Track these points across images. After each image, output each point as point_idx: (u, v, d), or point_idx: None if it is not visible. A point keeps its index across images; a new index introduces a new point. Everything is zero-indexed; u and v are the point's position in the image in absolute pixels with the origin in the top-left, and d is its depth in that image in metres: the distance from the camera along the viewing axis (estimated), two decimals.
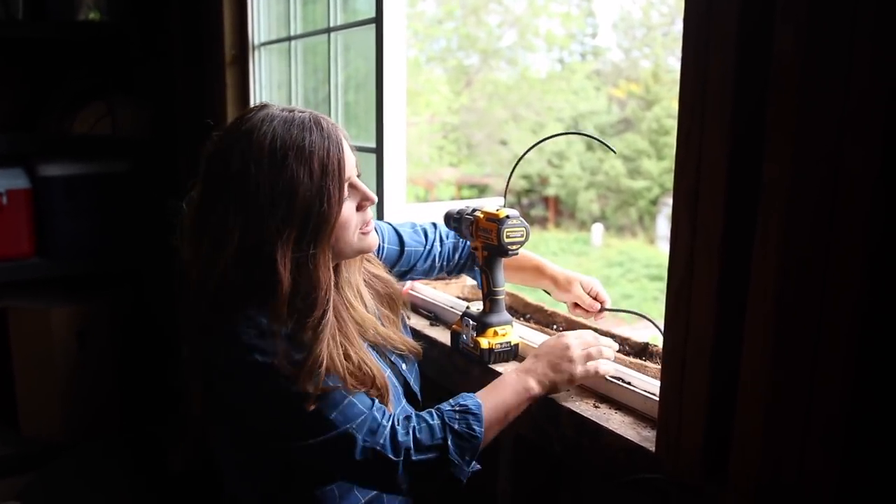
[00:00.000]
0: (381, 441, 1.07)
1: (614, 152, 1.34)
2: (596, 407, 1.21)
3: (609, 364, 1.23)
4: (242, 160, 1.08)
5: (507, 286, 1.44)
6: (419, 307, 1.73)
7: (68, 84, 2.77)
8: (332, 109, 2.02)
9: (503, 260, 1.36)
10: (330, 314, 1.10)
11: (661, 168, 12.57)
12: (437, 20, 13.85)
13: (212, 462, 1.31)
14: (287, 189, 1.06)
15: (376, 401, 1.11)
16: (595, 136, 1.38)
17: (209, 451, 1.32)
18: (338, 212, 1.10)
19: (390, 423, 1.09)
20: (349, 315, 1.19)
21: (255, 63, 2.35)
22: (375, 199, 1.19)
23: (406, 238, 1.46)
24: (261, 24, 2.34)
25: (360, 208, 1.16)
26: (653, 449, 1.05)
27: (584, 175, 13.38)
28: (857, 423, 0.78)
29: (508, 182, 1.44)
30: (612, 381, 1.23)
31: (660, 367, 1.09)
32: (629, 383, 1.21)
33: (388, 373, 1.22)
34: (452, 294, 1.75)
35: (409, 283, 1.74)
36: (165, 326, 2.86)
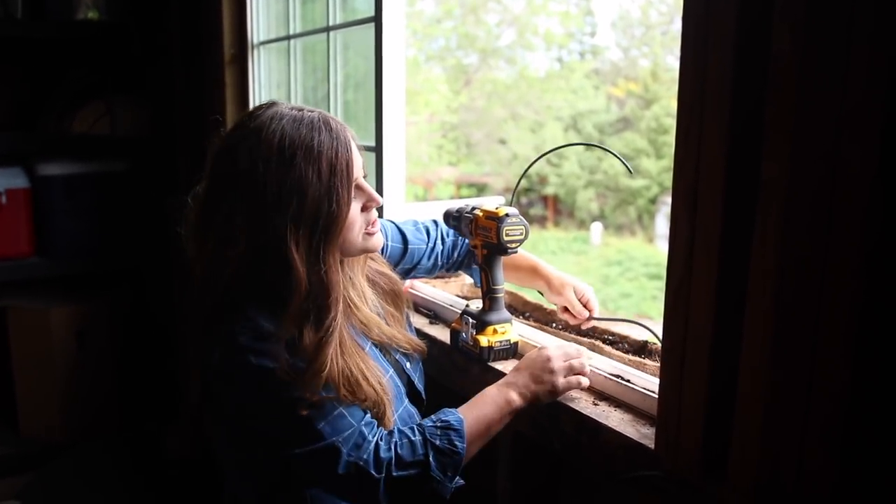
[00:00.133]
0: (365, 456, 1.07)
1: (631, 173, 1.34)
2: (595, 404, 1.21)
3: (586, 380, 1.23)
4: (250, 158, 1.07)
5: (506, 285, 1.44)
6: (419, 305, 1.73)
7: (67, 83, 2.77)
8: (331, 108, 2.02)
9: (502, 258, 1.36)
10: (339, 319, 1.09)
11: (659, 167, 12.57)
12: (436, 19, 13.84)
13: (210, 458, 1.31)
14: (295, 188, 1.06)
15: (368, 414, 1.10)
16: (616, 153, 1.37)
17: (206, 442, 1.32)
18: (346, 212, 1.10)
19: (375, 439, 1.09)
20: (354, 316, 1.19)
21: (254, 62, 2.35)
22: (381, 201, 1.19)
23: (409, 236, 1.46)
24: (260, 23, 2.34)
25: (365, 209, 1.16)
26: (652, 446, 1.05)
27: (582, 174, 13.38)
28: (856, 421, 0.79)
29: (517, 186, 1.44)
30: (611, 379, 1.24)
31: (659, 364, 1.09)
32: (628, 381, 1.21)
33: (391, 372, 1.22)
34: (452, 292, 1.75)
35: (408, 282, 1.75)
36: (165, 326, 2.86)
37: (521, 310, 1.65)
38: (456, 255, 1.53)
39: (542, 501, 1.41)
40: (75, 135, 2.69)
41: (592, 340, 1.40)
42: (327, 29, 1.97)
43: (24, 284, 2.69)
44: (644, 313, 10.52)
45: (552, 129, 12.75)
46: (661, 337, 1.36)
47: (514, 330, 1.39)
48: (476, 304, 1.42)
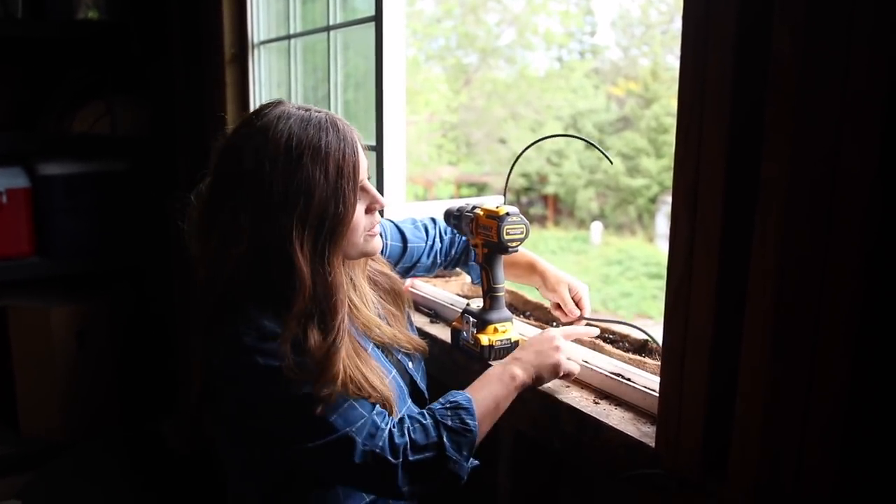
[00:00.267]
0: (380, 444, 1.06)
1: (611, 162, 1.34)
2: (596, 403, 1.21)
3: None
4: (256, 157, 1.07)
5: (506, 284, 1.44)
6: (419, 304, 1.73)
7: (68, 83, 2.77)
8: (331, 108, 2.02)
9: (503, 257, 1.36)
10: (347, 321, 1.09)
11: (659, 166, 12.57)
12: (436, 19, 13.84)
13: (211, 457, 1.31)
14: (302, 189, 1.05)
15: (377, 405, 1.10)
16: (592, 142, 1.37)
17: (207, 441, 1.32)
18: (352, 214, 1.10)
19: (388, 426, 1.09)
20: (356, 318, 1.19)
21: (254, 61, 2.35)
22: (385, 203, 1.19)
23: (408, 234, 1.46)
24: (260, 23, 2.34)
25: (368, 211, 1.16)
26: (652, 445, 1.05)
27: (582, 173, 13.38)
28: (855, 420, 0.79)
29: (508, 180, 1.45)
30: (611, 377, 1.24)
31: (659, 363, 1.09)
32: (629, 379, 1.22)
33: (394, 373, 1.22)
34: (452, 291, 1.75)
35: (409, 281, 1.75)
36: (165, 325, 2.86)
37: (522, 309, 1.65)
38: (454, 252, 1.53)
39: (542, 500, 1.41)
40: (75, 134, 2.69)
41: (593, 339, 1.40)
42: (328, 28, 1.97)
43: (25, 284, 2.69)
44: (644, 313, 10.53)
45: (552, 129, 12.74)
46: (653, 337, 1.37)
47: (514, 329, 1.39)
48: (477, 303, 1.42)
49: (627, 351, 1.36)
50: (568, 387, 1.28)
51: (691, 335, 0.95)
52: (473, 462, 1.13)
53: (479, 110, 13.94)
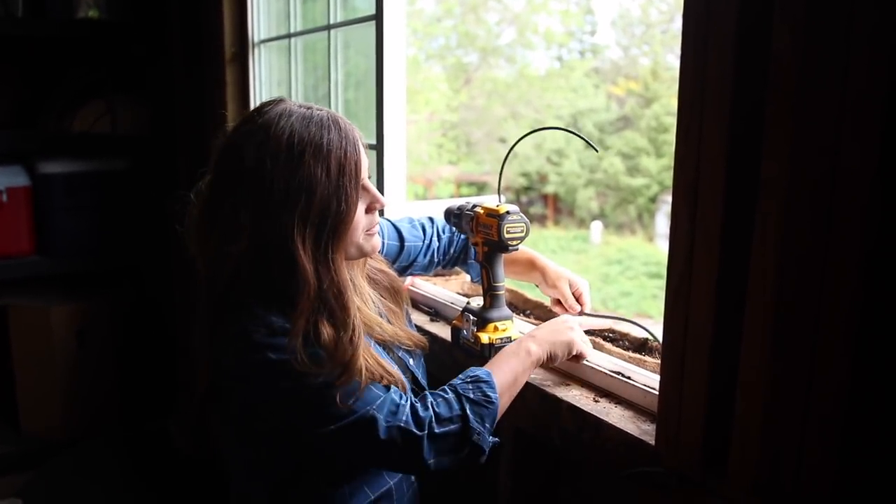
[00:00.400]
0: (404, 418, 1.07)
1: (596, 150, 1.34)
2: (596, 401, 1.22)
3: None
4: (258, 154, 1.06)
5: (506, 282, 1.44)
6: (419, 303, 1.73)
7: (68, 82, 2.77)
8: (331, 107, 2.02)
9: (503, 255, 1.36)
10: (359, 316, 1.10)
11: (660, 166, 12.57)
12: (436, 18, 13.85)
13: (213, 456, 1.31)
14: (304, 186, 1.05)
15: (393, 387, 1.11)
16: (581, 134, 1.38)
17: (211, 441, 1.32)
18: (354, 212, 1.10)
19: (409, 402, 1.09)
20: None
21: (254, 60, 2.35)
22: (386, 202, 1.19)
23: (405, 233, 1.46)
24: (260, 22, 2.34)
25: (369, 210, 1.16)
26: (653, 443, 1.06)
27: (583, 173, 13.38)
28: (855, 418, 0.79)
29: (500, 179, 1.44)
30: (612, 376, 1.24)
31: (659, 361, 1.09)
32: (629, 378, 1.22)
33: (395, 369, 1.22)
34: (452, 290, 1.76)
35: (409, 279, 1.75)
36: (165, 324, 2.87)
37: (522, 307, 1.65)
38: (453, 250, 1.53)
39: (543, 498, 1.41)
40: (76, 133, 2.69)
41: (593, 337, 1.41)
42: (328, 27, 1.97)
43: (25, 283, 2.69)
44: (644, 312, 10.53)
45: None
46: (652, 333, 1.37)
47: (514, 327, 1.39)
48: (477, 302, 1.42)
49: (627, 349, 1.36)
50: (568, 385, 1.28)
51: (691, 333, 0.95)
52: (495, 439, 1.14)
53: (480, 109, 13.94)
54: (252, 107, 2.15)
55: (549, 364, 1.25)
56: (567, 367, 1.32)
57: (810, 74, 0.78)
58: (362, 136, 1.15)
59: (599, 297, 10.94)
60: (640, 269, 11.82)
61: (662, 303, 1.01)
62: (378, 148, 1.78)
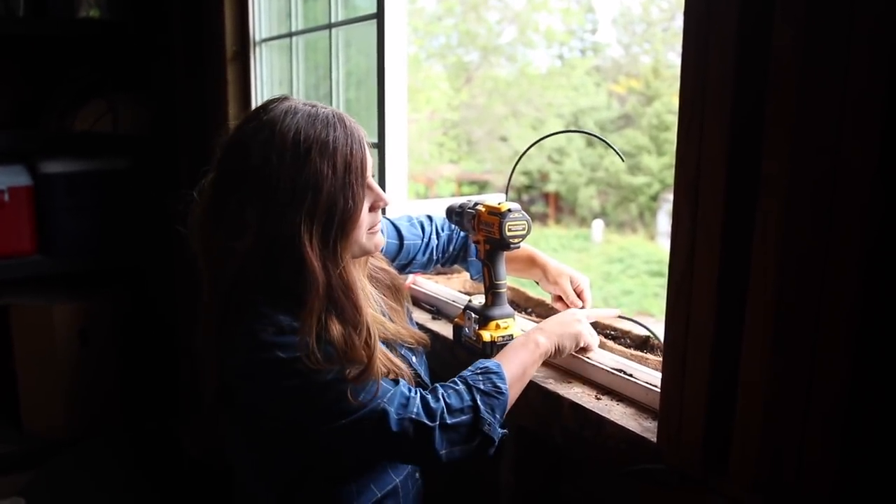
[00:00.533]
0: (415, 410, 1.07)
1: (622, 160, 1.35)
2: (598, 399, 1.22)
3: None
4: (263, 151, 1.06)
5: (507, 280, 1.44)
6: (421, 301, 1.73)
7: (69, 81, 2.77)
8: (333, 106, 2.02)
9: (504, 254, 1.36)
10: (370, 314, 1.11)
11: (661, 164, 12.57)
12: (437, 17, 13.84)
13: (218, 455, 1.31)
14: (310, 184, 1.05)
15: (402, 380, 1.12)
16: (609, 142, 1.38)
17: (216, 441, 1.32)
18: (361, 210, 1.10)
19: (418, 394, 1.10)
20: None
21: (256, 59, 2.35)
22: (389, 201, 1.19)
23: (404, 232, 1.46)
24: (261, 21, 2.34)
25: (372, 209, 1.16)
26: (654, 440, 1.06)
27: (584, 171, 13.38)
28: (856, 416, 0.79)
29: (510, 177, 1.45)
30: (613, 373, 1.24)
31: (660, 359, 1.09)
32: (631, 375, 1.22)
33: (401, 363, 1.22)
34: (454, 288, 1.76)
35: (411, 278, 1.75)
36: (167, 323, 2.87)
37: (524, 305, 1.66)
38: (451, 248, 1.53)
39: (545, 495, 1.42)
40: (77, 133, 2.69)
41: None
42: (329, 26, 1.98)
43: (27, 282, 2.69)
44: (645, 310, 10.53)
45: (553, 127, 12.74)
46: (652, 331, 1.38)
47: (516, 325, 1.39)
48: (479, 300, 1.42)
49: (629, 347, 1.36)
50: (570, 382, 1.28)
51: (693, 331, 0.96)
52: (504, 431, 1.14)
53: (481, 108, 13.93)
54: (254, 106, 2.15)
55: (557, 356, 1.26)
56: (569, 364, 1.33)
57: (811, 73, 0.78)
58: (367, 135, 1.15)
59: (601, 296, 10.94)
60: (642, 268, 11.82)
61: (664, 301, 1.01)
62: (379, 147, 1.78)
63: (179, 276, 2.70)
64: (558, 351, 1.26)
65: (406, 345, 1.27)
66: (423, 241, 1.49)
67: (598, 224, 13.38)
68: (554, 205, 14.21)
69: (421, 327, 1.53)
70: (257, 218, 1.06)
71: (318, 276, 1.05)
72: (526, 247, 1.50)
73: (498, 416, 1.12)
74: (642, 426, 1.11)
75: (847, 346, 0.78)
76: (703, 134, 0.91)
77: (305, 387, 1.05)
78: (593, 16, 14.40)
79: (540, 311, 1.61)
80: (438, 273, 1.83)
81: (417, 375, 1.29)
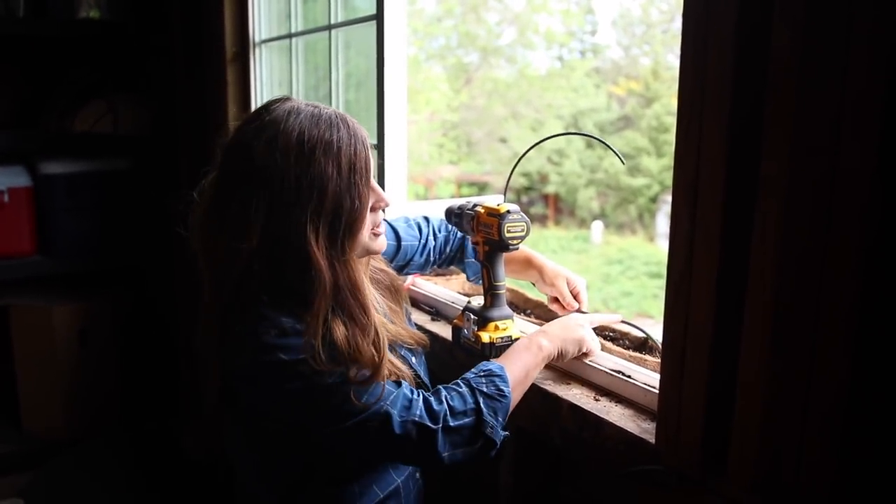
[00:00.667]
0: (418, 412, 1.08)
1: (623, 162, 1.35)
2: (596, 400, 1.22)
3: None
4: (268, 151, 1.06)
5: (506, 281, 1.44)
6: (420, 302, 1.73)
7: (69, 82, 2.78)
8: (332, 107, 2.02)
9: (503, 255, 1.37)
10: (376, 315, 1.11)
11: (660, 165, 12.57)
12: (437, 18, 13.84)
13: (218, 456, 1.31)
14: (315, 183, 1.05)
15: (404, 382, 1.12)
16: (609, 144, 1.38)
17: (217, 441, 1.31)
18: (366, 210, 1.10)
19: (421, 396, 1.10)
20: None
21: (255, 60, 2.36)
22: (390, 202, 1.19)
23: (402, 233, 1.47)
24: (261, 22, 2.35)
25: (373, 209, 1.15)
26: (653, 441, 1.06)
27: (583, 173, 13.38)
28: (855, 416, 0.79)
29: (509, 179, 1.45)
30: (612, 375, 1.24)
31: (659, 361, 1.10)
32: (629, 376, 1.22)
33: (403, 364, 1.22)
34: (453, 289, 1.76)
35: (410, 279, 1.75)
36: (167, 324, 2.87)
37: (523, 307, 1.66)
38: (448, 249, 1.53)
39: (543, 496, 1.42)
40: (77, 133, 2.69)
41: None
42: (329, 27, 1.98)
43: (27, 283, 2.69)
44: (645, 312, 10.53)
45: (553, 128, 12.75)
46: (648, 334, 1.38)
47: (515, 326, 1.39)
48: (478, 301, 1.42)
49: (628, 348, 1.36)
50: (568, 384, 1.29)
51: (691, 331, 0.96)
52: (506, 433, 1.14)
53: (480, 109, 13.94)
54: (253, 107, 2.15)
55: (559, 360, 1.26)
56: (568, 365, 1.33)
57: (810, 74, 0.78)
58: (368, 136, 1.15)
59: (600, 297, 10.94)
60: (641, 269, 11.82)
61: (663, 302, 1.01)
62: (379, 148, 1.78)
63: (179, 276, 2.70)
64: (561, 355, 1.26)
65: (406, 345, 1.27)
66: (420, 242, 1.49)
67: (597, 225, 13.38)
68: (553, 206, 14.21)
69: (420, 328, 1.53)
70: (262, 218, 1.05)
71: (325, 275, 1.05)
72: (523, 248, 1.50)
73: (500, 418, 1.12)
74: (641, 427, 1.12)
75: (846, 347, 0.78)
76: (701, 135, 0.91)
77: (308, 389, 1.05)
78: (593, 17, 14.42)
79: (539, 312, 1.61)
80: (437, 274, 1.83)
81: (417, 376, 1.29)
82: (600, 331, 1.45)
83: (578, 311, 1.44)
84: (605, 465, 1.15)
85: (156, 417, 2.82)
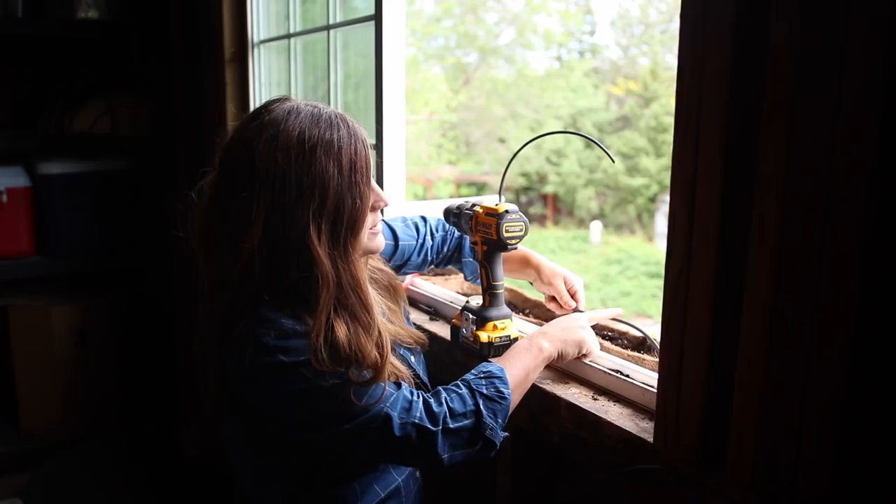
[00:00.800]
0: (418, 415, 1.07)
1: (613, 161, 1.35)
2: (595, 399, 1.22)
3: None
4: (269, 151, 1.05)
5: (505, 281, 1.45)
6: (419, 302, 1.74)
7: (68, 82, 2.78)
8: (331, 107, 2.02)
9: (502, 255, 1.37)
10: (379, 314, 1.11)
11: (659, 165, 12.59)
12: (436, 18, 13.86)
13: (218, 457, 1.31)
14: (317, 183, 1.05)
15: (404, 384, 1.12)
16: (598, 142, 1.38)
17: (216, 442, 1.31)
18: (367, 209, 1.10)
19: (421, 398, 1.10)
20: None
21: (254, 61, 2.36)
22: (388, 201, 1.19)
23: (399, 233, 1.47)
24: (260, 22, 2.35)
25: (372, 209, 1.15)
26: (651, 440, 1.06)
27: (582, 173, 13.40)
28: (852, 415, 0.79)
29: (503, 177, 1.45)
30: (610, 374, 1.24)
31: (657, 360, 1.10)
32: (627, 376, 1.22)
33: (402, 365, 1.22)
34: (452, 289, 1.76)
35: (408, 279, 1.76)
36: (165, 324, 2.87)
37: (521, 306, 1.66)
38: (446, 249, 1.53)
39: (542, 495, 1.42)
40: (76, 134, 2.69)
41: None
42: (327, 27, 1.98)
43: (25, 283, 2.70)
44: (643, 312, 10.54)
45: (551, 128, 12.76)
46: (646, 333, 1.38)
47: (514, 326, 1.39)
48: (476, 301, 1.42)
49: (626, 348, 1.36)
50: (567, 383, 1.29)
51: (689, 329, 0.96)
52: (506, 434, 1.15)
53: (479, 110, 13.96)
54: (252, 107, 2.16)
55: (559, 361, 1.26)
56: (566, 365, 1.33)
57: (807, 73, 0.79)
58: (367, 135, 1.15)
59: (599, 297, 10.95)
60: (640, 269, 11.84)
61: (661, 301, 1.01)
62: (378, 148, 1.78)
63: (178, 276, 2.70)
64: (561, 357, 1.26)
65: (404, 345, 1.27)
66: (417, 241, 1.49)
67: (596, 225, 13.40)
68: (552, 206, 14.22)
69: (419, 328, 1.53)
70: (263, 218, 1.05)
71: (329, 273, 1.05)
72: (521, 247, 1.50)
73: (500, 420, 1.12)
74: (639, 426, 1.12)
75: (843, 347, 0.78)
76: (699, 134, 0.91)
77: (308, 391, 1.04)
78: (591, 17, 14.44)
79: (537, 312, 1.62)
80: (435, 274, 1.83)
81: (416, 376, 1.29)
82: (599, 330, 1.45)
83: (576, 310, 1.44)
84: (604, 465, 1.16)
85: (155, 417, 2.83)
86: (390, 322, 1.26)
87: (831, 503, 0.82)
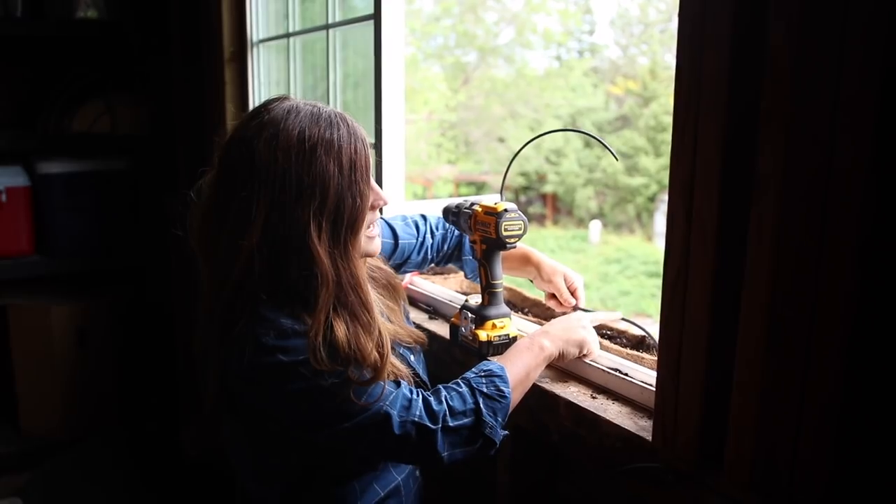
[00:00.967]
0: (417, 412, 1.07)
1: (616, 159, 1.35)
2: (593, 398, 1.22)
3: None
4: (269, 150, 1.05)
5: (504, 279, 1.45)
6: (418, 301, 1.74)
7: (67, 82, 2.78)
8: (330, 106, 2.02)
9: (501, 253, 1.37)
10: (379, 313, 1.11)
11: (658, 165, 12.59)
12: (435, 17, 13.85)
13: (217, 457, 1.31)
14: (317, 181, 1.05)
15: (403, 382, 1.12)
16: (599, 138, 1.38)
17: (215, 443, 1.31)
18: (367, 208, 1.10)
19: (420, 396, 1.10)
20: None
21: (253, 60, 2.36)
22: (388, 201, 1.19)
23: (399, 231, 1.47)
24: (259, 21, 2.35)
25: (371, 208, 1.15)
26: (649, 438, 1.06)
27: (581, 172, 13.40)
28: (850, 414, 0.80)
29: (505, 176, 1.45)
30: (609, 373, 1.25)
31: (656, 359, 1.10)
32: (626, 374, 1.23)
33: (401, 364, 1.22)
34: (451, 288, 1.76)
35: (408, 277, 1.76)
36: (165, 323, 2.87)
37: (520, 305, 1.66)
38: (446, 247, 1.53)
39: (541, 494, 1.42)
40: (75, 133, 2.69)
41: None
42: (326, 27, 1.98)
43: (25, 283, 2.70)
44: (643, 311, 10.54)
45: (551, 127, 12.77)
46: (647, 331, 1.38)
47: (512, 325, 1.40)
48: (475, 299, 1.43)
49: (625, 346, 1.37)
50: (566, 382, 1.29)
51: (688, 328, 0.96)
52: (505, 432, 1.15)
53: (478, 109, 13.96)
54: (251, 106, 2.16)
55: (560, 361, 1.26)
56: (565, 364, 1.33)
57: (805, 72, 0.79)
58: (367, 135, 1.15)
59: (598, 297, 10.95)
60: (639, 269, 11.84)
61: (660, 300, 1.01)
62: (377, 148, 1.78)
63: (177, 275, 2.70)
64: (562, 356, 1.26)
65: (404, 344, 1.27)
66: (417, 240, 1.49)
67: (595, 225, 13.40)
68: (551, 206, 14.23)
69: (418, 327, 1.53)
70: (263, 217, 1.05)
71: (329, 272, 1.05)
72: (520, 245, 1.50)
73: (500, 419, 1.12)
74: (638, 425, 1.12)
75: (841, 346, 0.78)
76: (697, 134, 0.91)
77: (308, 390, 1.05)
78: (591, 17, 14.44)
79: (536, 310, 1.62)
80: (435, 273, 1.83)
81: (416, 375, 1.29)
82: (599, 329, 1.46)
83: (576, 307, 1.44)
84: (603, 463, 1.16)
85: (154, 417, 2.83)
86: (389, 321, 1.26)
87: (828, 502, 0.82)
